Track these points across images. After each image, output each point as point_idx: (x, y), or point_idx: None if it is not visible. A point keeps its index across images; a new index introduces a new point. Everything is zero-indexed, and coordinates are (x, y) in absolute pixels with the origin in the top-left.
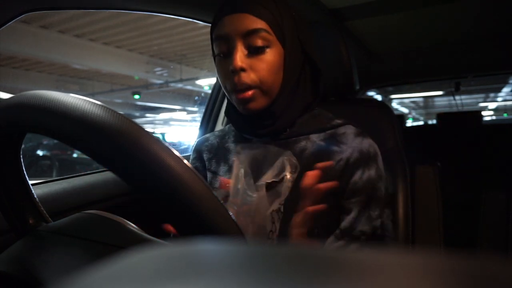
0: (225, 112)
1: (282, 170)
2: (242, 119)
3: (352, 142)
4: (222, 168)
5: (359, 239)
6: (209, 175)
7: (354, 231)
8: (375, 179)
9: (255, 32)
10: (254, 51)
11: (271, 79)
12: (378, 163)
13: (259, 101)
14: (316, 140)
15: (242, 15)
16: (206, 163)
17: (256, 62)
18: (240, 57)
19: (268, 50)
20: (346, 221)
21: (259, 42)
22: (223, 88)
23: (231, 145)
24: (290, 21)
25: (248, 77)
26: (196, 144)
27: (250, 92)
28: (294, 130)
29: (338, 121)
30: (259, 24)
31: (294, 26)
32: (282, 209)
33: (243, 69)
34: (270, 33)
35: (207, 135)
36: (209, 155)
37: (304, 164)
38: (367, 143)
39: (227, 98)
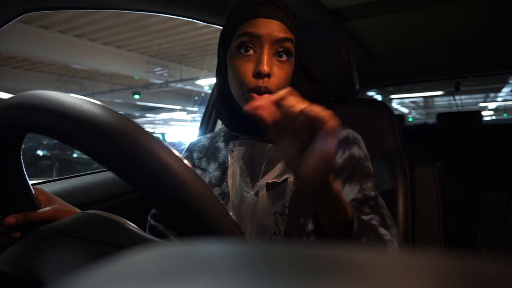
0: (216, 111)
1: (284, 171)
2: (234, 118)
3: None
4: (212, 166)
5: (353, 207)
6: (198, 171)
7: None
8: (358, 157)
9: (285, 40)
10: (278, 58)
11: (283, 88)
12: (360, 145)
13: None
14: None
15: (277, 23)
16: (196, 161)
17: (278, 70)
18: (268, 61)
19: (289, 60)
20: None
21: (286, 51)
22: (235, 84)
23: (220, 144)
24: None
25: (270, 83)
26: (189, 145)
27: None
28: None
29: None
30: (289, 34)
31: (301, 43)
32: (286, 212)
33: (269, 75)
34: (293, 45)
35: (200, 137)
36: (200, 154)
37: None
38: (345, 132)
39: (221, 98)
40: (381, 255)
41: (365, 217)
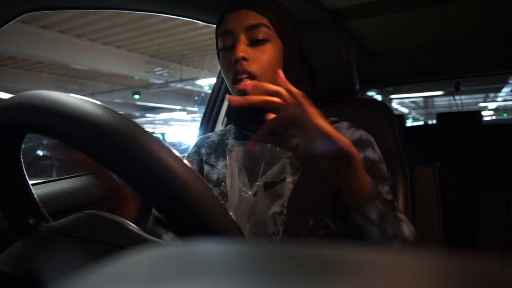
0: (226, 112)
1: (282, 171)
2: (241, 115)
3: (345, 134)
4: (221, 163)
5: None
6: (206, 167)
7: None
8: (373, 159)
9: (257, 26)
10: (255, 43)
11: (270, 72)
12: (374, 147)
13: (258, 93)
14: None
15: (246, 12)
16: (204, 157)
17: (257, 53)
18: (242, 47)
19: (268, 43)
20: None
21: (260, 36)
22: (226, 81)
23: (231, 142)
24: (289, 22)
25: (249, 66)
26: (198, 140)
27: (250, 83)
28: None
29: (333, 119)
30: (261, 20)
31: (293, 27)
32: (285, 212)
33: (244, 58)
34: (271, 29)
35: (210, 133)
36: (209, 150)
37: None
38: (359, 133)
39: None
40: (381, 255)
41: None
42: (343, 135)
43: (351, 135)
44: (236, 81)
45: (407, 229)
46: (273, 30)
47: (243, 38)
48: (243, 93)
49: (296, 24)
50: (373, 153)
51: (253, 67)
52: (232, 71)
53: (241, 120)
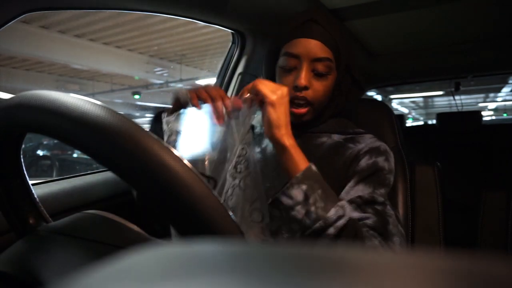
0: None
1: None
2: None
3: (367, 141)
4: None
5: (354, 202)
6: None
7: (351, 197)
8: (381, 166)
9: (322, 60)
10: (317, 75)
11: (324, 100)
12: (388, 158)
13: (308, 116)
14: (336, 139)
15: (315, 42)
16: None
17: (317, 84)
18: (306, 76)
19: (328, 76)
20: (343, 192)
21: (324, 69)
22: None
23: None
24: (346, 49)
25: (309, 94)
26: None
27: (305, 110)
28: (322, 127)
29: (361, 130)
30: (327, 53)
31: (347, 53)
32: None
33: (306, 87)
34: (333, 62)
35: None
36: None
37: (320, 155)
38: (379, 143)
39: None
40: (381, 255)
41: (362, 215)
42: (364, 143)
43: (371, 143)
44: (292, 103)
45: (334, 212)
46: (334, 62)
47: (307, 67)
48: (297, 116)
49: (348, 46)
50: (384, 162)
51: (311, 96)
52: (291, 94)
53: None
